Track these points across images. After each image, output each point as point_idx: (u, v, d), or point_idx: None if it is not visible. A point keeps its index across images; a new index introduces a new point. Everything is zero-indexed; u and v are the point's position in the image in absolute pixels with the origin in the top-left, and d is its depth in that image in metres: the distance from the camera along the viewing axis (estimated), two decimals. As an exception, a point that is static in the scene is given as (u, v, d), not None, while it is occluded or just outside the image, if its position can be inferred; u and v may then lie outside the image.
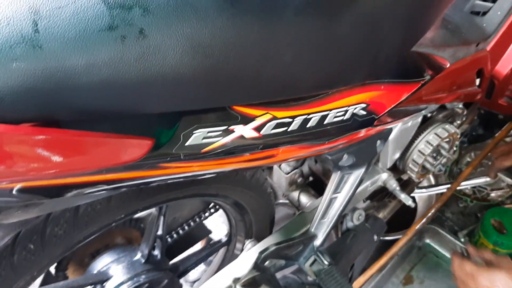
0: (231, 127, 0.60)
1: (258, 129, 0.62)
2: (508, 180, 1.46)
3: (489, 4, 1.12)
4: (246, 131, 0.61)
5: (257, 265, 0.88)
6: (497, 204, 1.68)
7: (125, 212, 0.80)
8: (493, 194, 1.70)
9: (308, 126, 0.69)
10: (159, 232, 0.98)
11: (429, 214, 1.29)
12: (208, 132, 0.58)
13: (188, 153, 0.57)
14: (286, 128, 0.66)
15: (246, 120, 0.61)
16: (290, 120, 0.66)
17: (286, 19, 0.53)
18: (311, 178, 1.26)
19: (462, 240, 1.56)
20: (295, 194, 1.16)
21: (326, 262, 0.96)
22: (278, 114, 0.64)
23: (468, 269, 0.96)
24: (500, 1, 1.11)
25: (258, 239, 1.07)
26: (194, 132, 0.57)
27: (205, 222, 1.24)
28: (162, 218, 0.95)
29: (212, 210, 1.20)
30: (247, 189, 1.00)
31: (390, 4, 0.65)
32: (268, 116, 0.63)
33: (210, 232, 1.26)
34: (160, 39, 0.44)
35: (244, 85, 0.55)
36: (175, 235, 1.18)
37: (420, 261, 1.49)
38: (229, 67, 0.50)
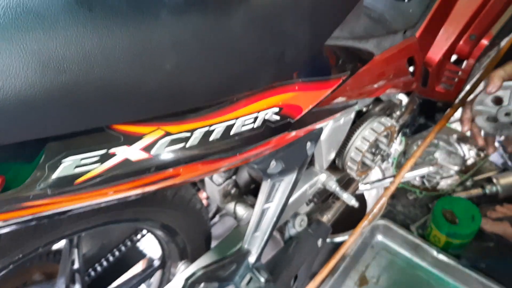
0: (112, 150, 0.51)
1: (147, 148, 0.54)
2: (452, 167, 1.44)
3: (414, -11, 1.07)
4: (132, 152, 0.53)
5: (186, 293, 0.80)
6: (447, 194, 1.66)
7: (22, 252, 0.70)
8: (442, 183, 1.68)
9: (211, 139, 0.61)
10: (76, 266, 0.88)
11: (374, 210, 1.24)
12: (82, 159, 0.49)
13: (57, 186, 0.48)
14: (183, 144, 0.58)
15: (131, 140, 0.53)
16: (188, 134, 0.58)
17: (162, 20, 0.46)
18: (253, 186, 1.19)
19: (415, 233, 1.52)
20: (230, 206, 1.08)
21: (262, 280, 0.89)
22: (173, 129, 0.56)
23: None
24: (426, -16, 1.07)
25: (194, 258, 0.99)
26: (62, 161, 0.48)
27: (139, 245, 1.15)
28: (75, 250, 0.86)
29: (144, 232, 1.11)
30: (171, 209, 0.92)
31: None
32: (159, 133, 0.55)
33: (144, 256, 1.17)
34: (-3, 56, 0.36)
35: (121, 100, 0.47)
36: (105, 263, 1.08)
37: (373, 259, 1.44)
38: (95, 81, 0.42)
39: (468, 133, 1.23)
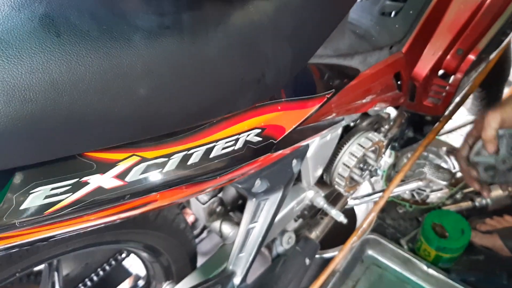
0: (84, 179, 0.49)
1: (121, 176, 0.52)
2: (441, 182, 1.43)
3: (399, 4, 1.07)
4: (105, 180, 0.51)
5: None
6: (437, 207, 1.65)
7: (-5, 278, 0.68)
8: (432, 196, 1.67)
9: (189, 163, 0.59)
10: (57, 288, 0.86)
11: (364, 225, 1.23)
12: (52, 189, 0.47)
13: (26, 217, 0.46)
14: (160, 169, 0.56)
15: (104, 167, 0.51)
16: (165, 159, 0.56)
17: (135, 45, 0.44)
18: (240, 201, 1.17)
19: (405, 247, 1.51)
20: (216, 224, 1.06)
21: (247, 302, 0.87)
22: (148, 154, 0.55)
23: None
24: (411, -1, 1.06)
25: (179, 278, 0.97)
26: (31, 191, 0.46)
27: (124, 263, 1.13)
28: (55, 273, 0.84)
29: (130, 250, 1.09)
30: (154, 230, 0.90)
31: (268, 21, 0.57)
32: (134, 159, 0.53)
33: (130, 274, 1.15)
34: (-44, 85, 0.34)
35: (91, 128, 0.45)
36: (89, 283, 1.06)
37: (363, 274, 1.43)
38: (63, 109, 0.41)
39: (457, 145, 1.22)
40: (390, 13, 1.07)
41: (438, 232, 1.42)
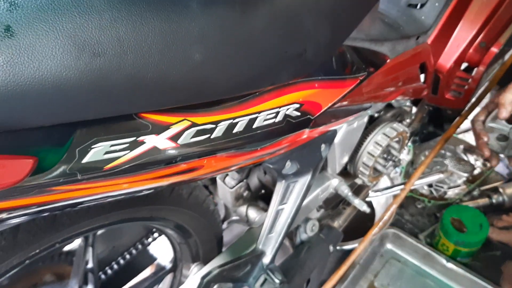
0: (141, 138, 0.51)
1: (174, 138, 0.55)
2: (462, 174, 1.43)
3: (426, -4, 1.09)
4: (159, 141, 0.53)
5: (201, 292, 0.79)
6: (455, 203, 1.66)
7: (39, 247, 0.70)
8: (450, 193, 1.68)
9: (234, 131, 0.61)
10: (90, 265, 0.87)
11: (385, 218, 1.24)
12: (111, 145, 0.49)
13: (87, 172, 0.48)
14: (208, 135, 0.58)
15: (159, 129, 0.53)
16: (213, 126, 0.58)
17: (192, 12, 0.47)
18: (263, 191, 1.18)
19: (423, 242, 1.52)
20: (242, 209, 1.08)
21: (277, 281, 0.88)
22: (198, 120, 0.57)
23: None
24: (437, -8, 1.08)
25: (206, 261, 0.99)
26: (92, 146, 0.48)
27: (150, 248, 1.14)
28: (90, 249, 0.86)
29: (155, 235, 1.11)
30: (186, 209, 0.92)
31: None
32: (186, 123, 0.55)
33: (155, 259, 1.16)
34: (33, 37, 0.37)
35: (150, 88, 0.47)
36: (115, 266, 1.07)
37: (383, 268, 1.43)
38: (127, 67, 0.43)
39: (474, 143, 1.23)
40: (416, 5, 1.09)
41: (457, 227, 1.43)
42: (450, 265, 1.37)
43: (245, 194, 1.06)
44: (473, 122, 1.07)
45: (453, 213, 1.45)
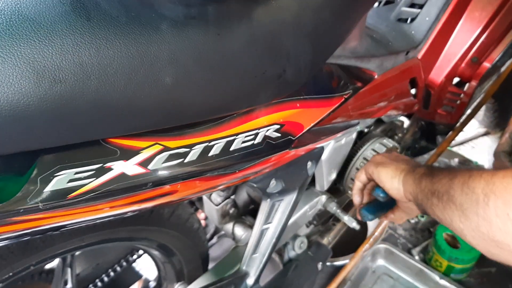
0: (108, 164, 0.50)
1: (144, 163, 0.53)
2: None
3: (416, 10, 1.07)
4: (128, 167, 0.51)
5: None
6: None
7: (11, 270, 0.68)
8: (444, 206, 1.65)
9: (210, 155, 0.59)
10: (69, 286, 0.85)
11: (376, 233, 1.22)
12: (76, 173, 0.47)
13: (49, 201, 0.46)
14: (182, 159, 0.56)
15: (128, 154, 0.51)
16: (187, 150, 0.56)
17: (162, 34, 0.45)
18: (252, 206, 1.16)
19: (417, 257, 1.49)
20: (229, 226, 1.06)
21: (260, 303, 0.86)
22: (171, 144, 0.55)
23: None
24: (428, 6, 1.07)
25: (191, 280, 0.97)
26: (55, 174, 0.46)
27: (135, 265, 1.12)
28: (69, 270, 0.83)
29: (140, 252, 1.09)
30: (167, 229, 0.89)
31: (290, 18, 0.58)
32: (157, 147, 0.54)
33: (140, 276, 1.14)
34: (-11, 64, 0.35)
35: (117, 113, 0.45)
36: (99, 283, 1.05)
37: (374, 284, 1.41)
38: (90, 93, 0.41)
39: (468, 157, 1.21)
40: (406, 20, 1.08)
41: (450, 243, 1.41)
42: (444, 282, 1.34)
43: (231, 211, 1.04)
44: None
45: (446, 229, 1.43)
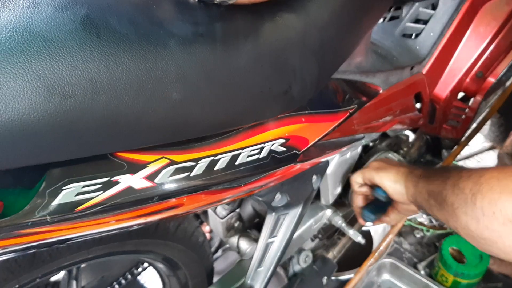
0: (115, 178, 0.50)
1: (151, 177, 0.53)
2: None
3: (420, 26, 1.08)
4: (135, 181, 0.52)
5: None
6: (454, 232, 1.62)
7: (18, 283, 0.68)
8: (449, 221, 1.64)
9: (216, 168, 0.60)
10: (74, 298, 0.86)
11: (381, 248, 1.21)
12: (84, 186, 0.48)
13: (57, 214, 0.47)
14: (188, 173, 0.57)
15: (134, 168, 0.52)
16: (193, 163, 0.57)
17: (170, 51, 0.46)
18: (257, 219, 1.17)
19: (422, 272, 1.48)
20: (234, 239, 1.06)
21: (265, 317, 0.86)
22: (177, 157, 0.56)
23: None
24: (432, 22, 1.08)
25: (196, 294, 0.96)
26: (63, 188, 0.47)
27: (140, 278, 1.12)
28: (74, 282, 0.84)
29: (145, 265, 1.09)
30: (173, 242, 0.90)
31: (296, 35, 0.59)
32: (164, 161, 0.54)
33: (144, 289, 1.14)
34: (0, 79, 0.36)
35: (125, 129, 0.46)
36: (104, 296, 1.06)
37: (380, 299, 1.40)
38: (99, 108, 0.42)
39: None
40: (411, 35, 1.09)
41: (456, 258, 1.40)
42: (450, 297, 1.33)
43: (236, 224, 1.04)
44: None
45: (452, 243, 1.42)
